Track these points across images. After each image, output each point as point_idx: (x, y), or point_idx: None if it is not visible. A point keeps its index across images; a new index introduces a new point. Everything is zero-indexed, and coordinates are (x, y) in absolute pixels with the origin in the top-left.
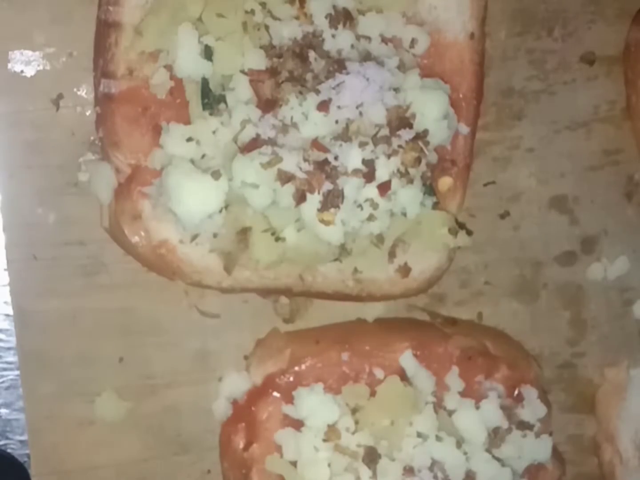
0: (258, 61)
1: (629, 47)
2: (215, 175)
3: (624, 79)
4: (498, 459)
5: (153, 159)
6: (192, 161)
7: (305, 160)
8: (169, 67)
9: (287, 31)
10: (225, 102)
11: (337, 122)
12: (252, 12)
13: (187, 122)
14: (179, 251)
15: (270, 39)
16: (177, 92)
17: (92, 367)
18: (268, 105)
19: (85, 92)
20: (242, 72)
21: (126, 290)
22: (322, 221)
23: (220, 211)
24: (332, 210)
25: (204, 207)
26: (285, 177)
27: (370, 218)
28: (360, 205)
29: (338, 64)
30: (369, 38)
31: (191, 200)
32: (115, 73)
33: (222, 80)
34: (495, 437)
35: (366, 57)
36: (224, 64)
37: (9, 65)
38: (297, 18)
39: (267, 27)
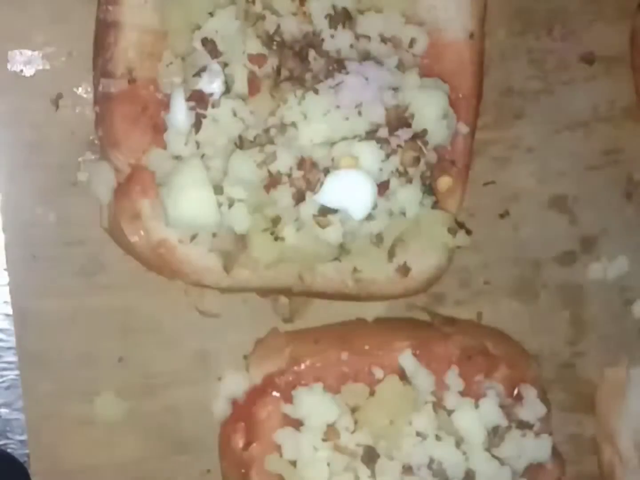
0: (257, 48)
1: (635, 35)
2: (218, 190)
3: (631, 67)
4: (497, 458)
5: (150, 158)
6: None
7: (303, 159)
8: None
9: (287, 29)
10: None
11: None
12: (252, 2)
13: None
14: (178, 251)
15: (269, 35)
16: None
17: (92, 367)
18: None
19: (84, 91)
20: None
21: (126, 289)
22: (318, 224)
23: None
24: (329, 216)
25: (195, 218)
26: (275, 180)
27: (369, 217)
28: None
29: (337, 64)
30: (368, 37)
31: (185, 207)
32: (114, 72)
33: None
34: (495, 436)
35: (365, 56)
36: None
37: (9, 65)
38: (294, 14)
39: (264, 18)
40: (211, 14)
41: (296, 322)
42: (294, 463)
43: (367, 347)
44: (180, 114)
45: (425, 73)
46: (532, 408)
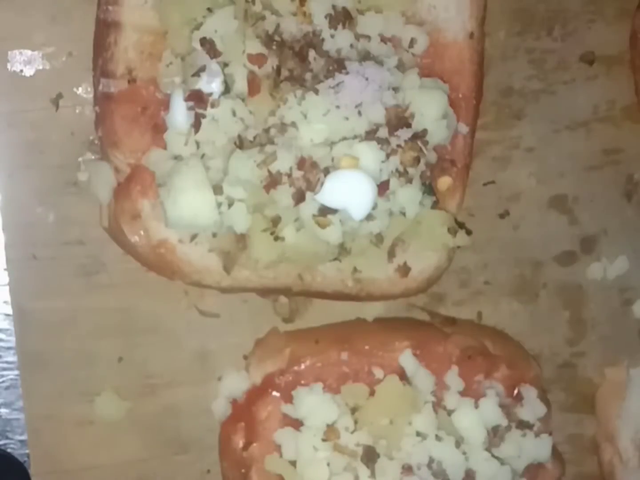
0: (257, 48)
1: (635, 35)
2: (218, 190)
3: (631, 67)
4: (497, 458)
5: (150, 158)
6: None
7: (303, 159)
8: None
9: (287, 29)
10: None
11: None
12: (252, 1)
13: None
14: (178, 251)
15: (269, 34)
16: None
17: (92, 366)
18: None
19: (84, 91)
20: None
21: (126, 290)
22: (317, 224)
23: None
24: (329, 216)
25: (195, 219)
26: (274, 180)
27: (369, 217)
28: None
29: (337, 64)
30: (368, 37)
31: (185, 207)
32: (114, 72)
33: None
34: (495, 436)
35: (365, 56)
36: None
37: (9, 65)
38: (294, 14)
39: (263, 17)
40: (210, 10)
41: (296, 322)
42: (294, 463)
43: (367, 347)
44: (179, 114)
45: (425, 73)
46: (532, 408)
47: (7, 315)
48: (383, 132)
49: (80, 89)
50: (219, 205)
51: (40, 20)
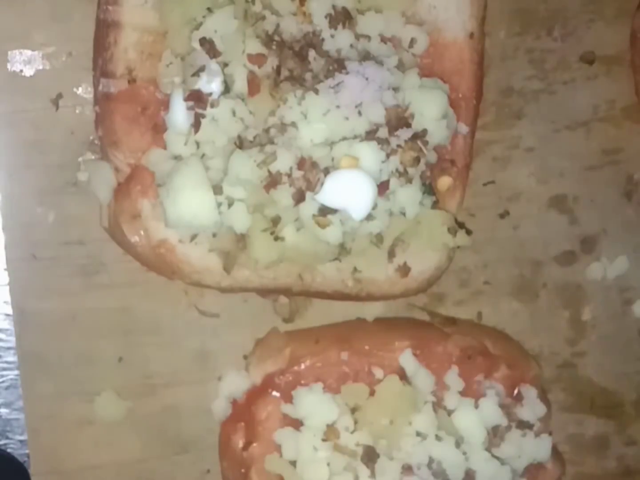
0: (257, 48)
1: (634, 34)
2: (218, 190)
3: (631, 67)
4: (497, 458)
5: (150, 158)
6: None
7: (303, 159)
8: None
9: (287, 29)
10: None
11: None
12: (252, 1)
13: None
14: (178, 251)
15: (269, 34)
16: None
17: (92, 366)
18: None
19: (84, 91)
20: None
21: (126, 289)
22: (317, 223)
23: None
24: (329, 216)
25: (195, 219)
26: (274, 180)
27: (369, 217)
28: None
29: (337, 64)
30: (368, 37)
31: (185, 207)
32: (114, 72)
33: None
34: (495, 436)
35: (365, 56)
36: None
37: (8, 65)
38: (294, 14)
39: (263, 17)
40: (209, 10)
41: (296, 322)
42: (293, 463)
43: (367, 347)
44: (179, 113)
45: (425, 73)
46: (532, 408)
47: (7, 315)
48: (383, 132)
49: (80, 89)
50: (219, 205)
51: (40, 20)
